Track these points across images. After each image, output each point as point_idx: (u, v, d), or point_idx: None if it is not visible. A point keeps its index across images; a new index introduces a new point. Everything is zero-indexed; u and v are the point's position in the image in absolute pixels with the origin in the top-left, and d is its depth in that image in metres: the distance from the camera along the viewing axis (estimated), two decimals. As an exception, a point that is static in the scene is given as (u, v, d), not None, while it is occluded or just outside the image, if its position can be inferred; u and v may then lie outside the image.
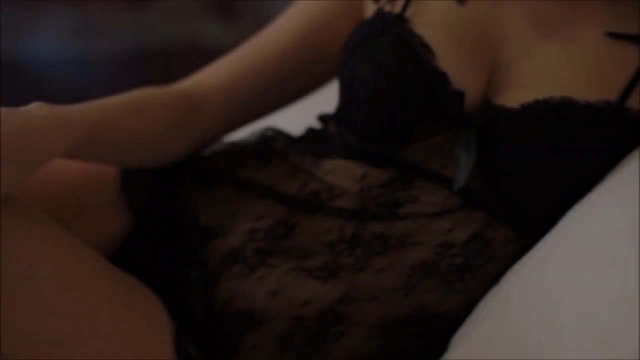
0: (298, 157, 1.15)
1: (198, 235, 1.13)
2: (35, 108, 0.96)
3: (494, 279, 1.06)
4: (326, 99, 1.28)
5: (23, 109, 0.95)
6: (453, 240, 1.07)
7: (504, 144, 1.05)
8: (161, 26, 2.89)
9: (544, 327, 0.91)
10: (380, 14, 1.13)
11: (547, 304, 0.93)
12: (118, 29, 2.93)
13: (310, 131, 1.21)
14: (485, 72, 1.09)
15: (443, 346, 1.07)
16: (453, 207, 1.07)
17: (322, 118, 1.21)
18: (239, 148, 1.20)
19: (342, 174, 1.11)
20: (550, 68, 1.08)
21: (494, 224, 1.07)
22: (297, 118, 1.34)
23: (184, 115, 1.14)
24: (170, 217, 1.15)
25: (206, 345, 1.09)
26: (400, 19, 1.10)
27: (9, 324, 0.95)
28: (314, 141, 1.18)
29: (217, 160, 1.19)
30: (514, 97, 1.07)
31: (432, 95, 1.06)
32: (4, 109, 0.93)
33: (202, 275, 1.10)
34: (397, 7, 1.13)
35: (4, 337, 0.95)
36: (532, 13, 1.11)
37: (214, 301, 1.09)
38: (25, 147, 0.93)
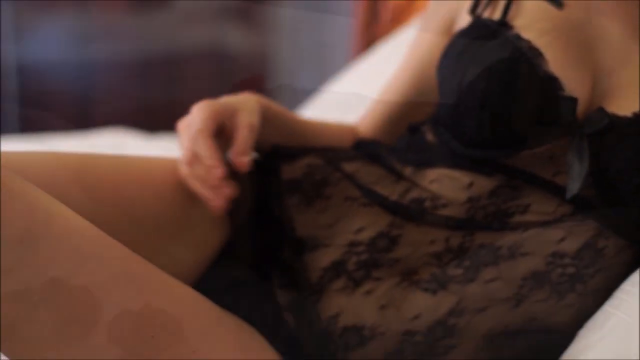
0: (399, 165, 1.12)
1: (295, 248, 1.09)
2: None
3: (605, 291, 1.04)
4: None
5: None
6: (565, 249, 1.04)
7: (617, 152, 1.03)
8: (172, 30, 2.84)
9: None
10: (478, 21, 1.11)
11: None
12: (124, 33, 2.89)
13: (404, 141, 1.18)
14: (589, 78, 1.07)
15: (551, 360, 1.05)
16: (564, 216, 1.05)
17: (413, 128, 1.18)
18: (334, 152, 1.17)
19: (447, 182, 1.08)
20: None
21: (605, 232, 1.05)
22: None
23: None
24: (265, 227, 1.12)
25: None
26: (503, 24, 1.08)
27: None
28: (411, 151, 1.15)
29: (313, 162, 1.16)
30: (621, 105, 1.05)
31: (545, 100, 1.04)
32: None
33: (305, 291, 1.07)
34: (496, 14, 1.11)
35: None
36: (629, 21, 1.10)
37: (319, 317, 1.06)
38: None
